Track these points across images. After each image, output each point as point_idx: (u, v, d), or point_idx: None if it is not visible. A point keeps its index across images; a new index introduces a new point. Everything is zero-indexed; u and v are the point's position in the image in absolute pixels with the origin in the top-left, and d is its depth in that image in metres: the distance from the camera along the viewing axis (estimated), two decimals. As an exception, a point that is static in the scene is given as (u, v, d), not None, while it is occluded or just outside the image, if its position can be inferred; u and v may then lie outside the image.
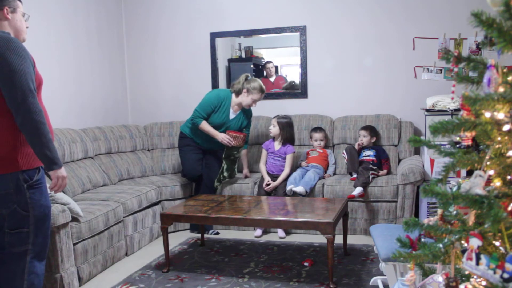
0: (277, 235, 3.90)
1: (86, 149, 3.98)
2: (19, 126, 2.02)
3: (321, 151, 4.29)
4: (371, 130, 4.20)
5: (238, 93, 4.00)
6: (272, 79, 4.82)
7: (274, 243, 3.72)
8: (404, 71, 4.41)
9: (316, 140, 4.33)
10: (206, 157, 4.16)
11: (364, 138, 4.17)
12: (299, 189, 3.80)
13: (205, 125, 3.94)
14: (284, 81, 4.80)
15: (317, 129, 4.36)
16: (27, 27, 2.25)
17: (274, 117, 4.20)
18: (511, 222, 1.30)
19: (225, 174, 4.10)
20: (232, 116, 4.04)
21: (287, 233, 3.94)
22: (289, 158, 4.07)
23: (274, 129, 4.13)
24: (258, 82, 3.97)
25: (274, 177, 4.07)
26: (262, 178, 4.10)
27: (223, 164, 4.09)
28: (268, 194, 3.95)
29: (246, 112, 4.13)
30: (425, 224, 1.59)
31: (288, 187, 3.87)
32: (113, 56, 4.96)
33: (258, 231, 3.94)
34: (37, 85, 2.12)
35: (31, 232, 2.11)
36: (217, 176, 4.08)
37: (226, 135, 3.93)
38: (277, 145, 4.16)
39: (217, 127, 3.98)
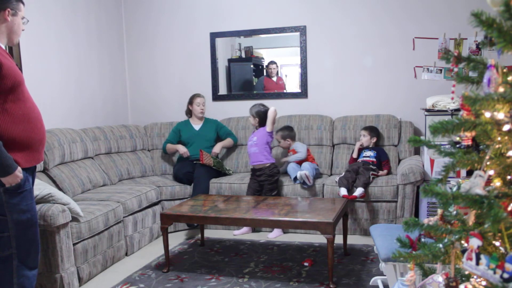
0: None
1: (86, 149, 3.98)
2: None
3: (291, 152, 4.22)
4: (371, 130, 4.18)
5: (190, 113, 4.66)
6: (274, 79, 4.83)
7: (274, 243, 3.72)
8: (404, 71, 4.40)
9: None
10: (196, 171, 4.22)
11: (363, 138, 4.16)
12: (309, 172, 3.82)
13: (169, 146, 4.53)
14: (282, 81, 4.82)
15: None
16: (22, 30, 2.21)
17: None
18: (511, 222, 1.30)
19: (217, 166, 4.35)
20: (197, 127, 4.58)
21: (284, 232, 3.94)
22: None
23: (254, 120, 4.08)
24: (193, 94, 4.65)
25: (256, 169, 3.99)
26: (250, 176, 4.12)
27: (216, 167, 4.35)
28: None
29: (209, 121, 4.63)
30: (425, 224, 1.59)
31: (298, 173, 3.84)
32: (113, 56, 4.96)
33: (243, 229, 3.95)
34: (10, 86, 2.04)
35: (13, 236, 2.08)
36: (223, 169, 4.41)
37: (184, 151, 4.38)
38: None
39: (189, 139, 4.51)
